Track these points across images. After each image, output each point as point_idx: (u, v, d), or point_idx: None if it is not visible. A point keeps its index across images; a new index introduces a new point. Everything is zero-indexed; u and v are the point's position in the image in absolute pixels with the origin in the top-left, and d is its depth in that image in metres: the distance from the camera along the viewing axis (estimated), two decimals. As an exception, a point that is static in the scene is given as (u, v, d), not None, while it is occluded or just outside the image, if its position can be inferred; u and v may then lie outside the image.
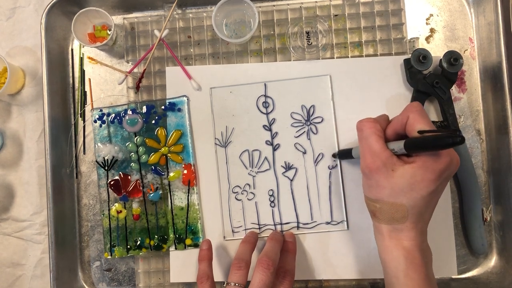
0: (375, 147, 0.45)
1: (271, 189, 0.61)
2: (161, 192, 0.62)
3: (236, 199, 0.61)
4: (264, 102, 0.62)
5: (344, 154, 0.58)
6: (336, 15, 0.63)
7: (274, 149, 0.61)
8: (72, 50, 0.67)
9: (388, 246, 0.46)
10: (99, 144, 0.63)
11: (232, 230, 0.61)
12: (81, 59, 0.66)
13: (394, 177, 0.44)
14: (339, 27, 0.63)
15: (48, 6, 0.63)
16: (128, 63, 0.65)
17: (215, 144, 0.62)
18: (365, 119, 0.48)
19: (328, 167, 0.60)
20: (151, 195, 0.61)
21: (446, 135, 0.39)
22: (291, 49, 0.61)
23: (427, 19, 0.63)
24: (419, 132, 0.43)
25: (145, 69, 0.63)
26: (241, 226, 0.61)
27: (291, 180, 0.60)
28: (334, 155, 0.60)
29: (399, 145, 0.44)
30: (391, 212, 0.45)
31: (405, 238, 0.45)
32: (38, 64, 0.67)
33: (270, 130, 0.61)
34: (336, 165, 0.60)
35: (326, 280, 0.60)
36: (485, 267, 0.60)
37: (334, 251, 0.59)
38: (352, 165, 0.60)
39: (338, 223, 0.59)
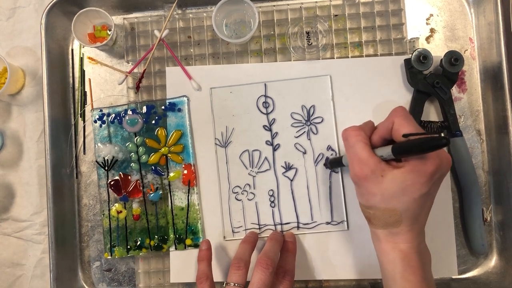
0: (361, 155, 0.45)
1: (271, 189, 0.61)
2: (161, 192, 0.62)
3: (236, 199, 0.61)
4: (264, 102, 0.61)
5: (335, 163, 0.58)
6: (336, 15, 0.63)
7: (274, 149, 0.61)
8: (72, 50, 0.67)
9: (384, 249, 0.46)
10: (99, 144, 0.63)
11: (232, 230, 0.61)
12: (81, 59, 0.66)
13: (383, 183, 0.43)
14: (339, 27, 0.63)
15: (48, 6, 0.63)
16: (128, 63, 0.65)
17: (215, 144, 0.62)
18: (349, 128, 0.48)
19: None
20: (151, 195, 0.61)
21: (431, 138, 0.39)
22: (291, 49, 0.61)
23: (427, 19, 0.63)
24: (404, 135, 0.43)
25: (145, 69, 0.63)
26: (241, 226, 0.61)
27: (291, 180, 0.60)
28: (325, 165, 0.60)
29: (387, 151, 0.44)
30: (384, 217, 0.45)
31: (401, 241, 0.45)
32: (38, 64, 0.67)
33: (270, 130, 0.61)
34: (336, 165, 0.60)
35: (326, 280, 0.60)
36: (485, 267, 0.60)
37: (334, 251, 0.59)
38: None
39: (338, 223, 0.59)
